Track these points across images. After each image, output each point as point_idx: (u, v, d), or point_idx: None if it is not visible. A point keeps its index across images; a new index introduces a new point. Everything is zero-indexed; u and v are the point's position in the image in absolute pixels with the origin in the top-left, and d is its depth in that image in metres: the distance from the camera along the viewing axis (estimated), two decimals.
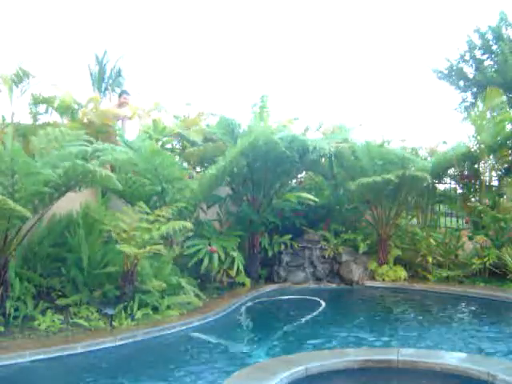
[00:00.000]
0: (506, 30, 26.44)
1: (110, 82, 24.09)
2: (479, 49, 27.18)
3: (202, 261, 11.03)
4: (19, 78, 10.77)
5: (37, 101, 11.23)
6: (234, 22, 39.96)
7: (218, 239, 11.60)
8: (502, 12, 26.31)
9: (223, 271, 11.45)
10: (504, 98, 13.65)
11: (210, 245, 11.26)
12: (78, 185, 8.59)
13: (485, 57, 27.21)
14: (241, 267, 11.50)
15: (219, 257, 11.14)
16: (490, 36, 26.80)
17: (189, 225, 9.74)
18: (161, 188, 10.62)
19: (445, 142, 14.63)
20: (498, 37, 26.24)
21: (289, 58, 40.77)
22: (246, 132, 12.13)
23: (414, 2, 37.78)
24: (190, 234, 11.05)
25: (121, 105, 12.67)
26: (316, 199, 12.22)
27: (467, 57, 27.54)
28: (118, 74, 24.20)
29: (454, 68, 27.68)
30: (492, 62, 26.66)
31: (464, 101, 28.08)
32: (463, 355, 7.14)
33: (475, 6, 37.78)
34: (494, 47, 26.52)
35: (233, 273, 11.51)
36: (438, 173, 13.79)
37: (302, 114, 15.24)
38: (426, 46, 41.31)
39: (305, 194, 12.27)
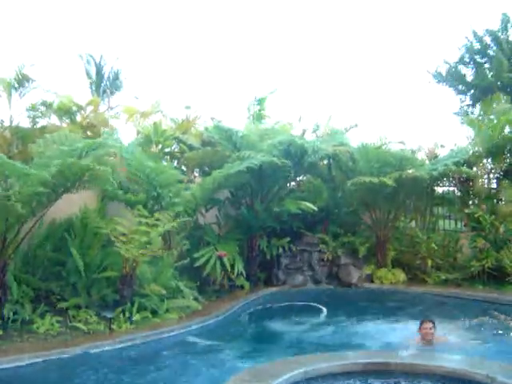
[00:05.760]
0: (507, 32, 26.46)
1: (108, 84, 24.14)
2: (477, 53, 27.22)
3: (205, 265, 11.07)
4: (18, 81, 10.79)
5: (36, 105, 11.24)
6: (232, 24, 40.01)
7: (221, 244, 11.63)
8: (505, 14, 26.34)
9: (223, 274, 11.44)
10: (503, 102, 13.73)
11: (216, 250, 11.29)
12: (75, 185, 8.60)
13: (483, 60, 27.25)
14: (241, 270, 11.51)
15: (227, 260, 11.18)
16: (487, 39, 26.84)
17: (188, 219, 9.81)
18: (156, 193, 10.61)
19: (443, 146, 14.65)
20: (495, 40, 26.29)
21: (287, 61, 40.84)
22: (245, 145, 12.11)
23: (414, 4, 37.78)
24: (188, 246, 11.12)
25: None
26: (315, 208, 12.15)
27: (467, 59, 27.56)
28: (116, 76, 24.26)
29: (453, 71, 27.69)
30: (489, 65, 26.71)
31: (463, 104, 28.09)
32: (461, 358, 7.13)
33: (477, 8, 37.90)
34: (490, 51, 26.57)
35: (233, 276, 11.51)
36: (438, 178, 13.72)
37: (299, 115, 15.17)
38: (426, 48, 41.34)
39: (305, 203, 12.19)
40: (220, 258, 11.15)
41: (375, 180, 12.22)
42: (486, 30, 26.72)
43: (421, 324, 8.31)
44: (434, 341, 8.23)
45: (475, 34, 26.95)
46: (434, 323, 8.28)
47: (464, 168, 13.03)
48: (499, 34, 26.52)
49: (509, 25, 26.55)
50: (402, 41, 40.27)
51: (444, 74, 28.01)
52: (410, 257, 13.44)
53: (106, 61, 24.96)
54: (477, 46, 27.17)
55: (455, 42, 35.35)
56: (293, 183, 14.73)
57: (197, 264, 11.04)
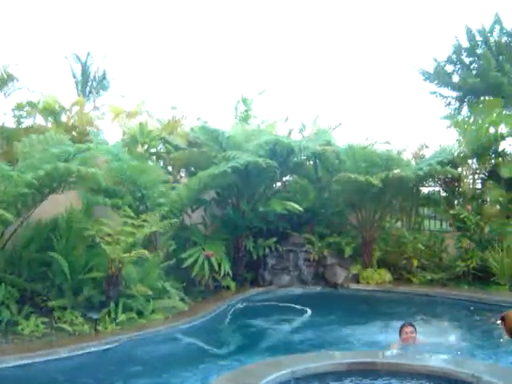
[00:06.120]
0: (499, 32, 26.58)
1: (95, 84, 23.96)
2: (465, 51, 27.29)
3: (193, 265, 11.05)
4: (3, 81, 10.71)
5: (21, 105, 11.17)
6: (218, 24, 39.95)
7: (207, 244, 11.60)
8: (497, 15, 26.46)
9: (209, 275, 11.40)
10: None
11: (204, 250, 11.27)
12: (61, 186, 8.55)
13: (470, 59, 27.34)
14: (228, 270, 11.48)
15: (214, 260, 11.16)
16: (478, 38, 26.91)
17: (175, 220, 9.80)
18: (141, 194, 10.57)
19: (427, 147, 14.73)
20: (485, 40, 26.39)
21: (273, 60, 40.86)
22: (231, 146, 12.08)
23: (403, 4, 37.82)
24: (174, 247, 11.09)
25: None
26: (301, 208, 12.16)
27: (454, 58, 27.63)
28: (103, 76, 24.08)
29: (440, 69, 27.75)
30: (476, 65, 26.81)
31: (449, 104, 28.15)
32: (447, 357, 7.16)
33: (467, 10, 38.07)
34: (479, 51, 26.66)
35: (219, 276, 11.49)
36: (424, 178, 13.76)
37: (286, 115, 15.21)
38: (414, 48, 41.40)
39: (291, 204, 12.17)
40: (208, 258, 11.13)
41: (361, 178, 12.23)
42: (477, 30, 26.80)
43: (401, 328, 8.25)
44: (416, 343, 8.20)
45: (469, 31, 26.96)
46: (414, 327, 8.23)
47: (449, 168, 13.09)
48: (489, 33, 26.61)
49: (499, 25, 26.65)
50: (392, 38, 40.26)
51: (432, 72, 28.02)
52: (396, 257, 13.49)
53: (92, 60, 24.83)
54: (466, 44, 27.20)
55: (448, 41, 35.36)
56: (279, 184, 14.75)
57: (185, 264, 11.01)
